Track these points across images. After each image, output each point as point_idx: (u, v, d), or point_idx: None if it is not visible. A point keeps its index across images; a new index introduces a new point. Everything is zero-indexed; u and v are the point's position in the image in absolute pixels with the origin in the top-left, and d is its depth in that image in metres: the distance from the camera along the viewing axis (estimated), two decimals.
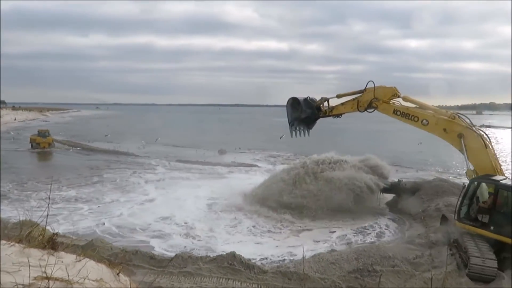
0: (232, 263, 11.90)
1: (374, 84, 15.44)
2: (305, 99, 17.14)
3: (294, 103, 17.25)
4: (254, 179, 27.74)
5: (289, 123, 17.45)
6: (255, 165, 37.91)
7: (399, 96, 15.18)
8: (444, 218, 15.84)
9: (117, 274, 3.39)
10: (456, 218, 13.20)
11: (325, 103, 16.98)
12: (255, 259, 14.62)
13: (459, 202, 13.31)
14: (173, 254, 13.28)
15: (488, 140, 13.71)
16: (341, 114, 16.68)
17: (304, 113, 16.89)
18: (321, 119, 17.58)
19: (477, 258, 11.33)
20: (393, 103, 15.23)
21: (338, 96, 16.67)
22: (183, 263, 12.09)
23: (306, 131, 17.69)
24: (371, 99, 15.33)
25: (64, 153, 44.34)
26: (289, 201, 21.29)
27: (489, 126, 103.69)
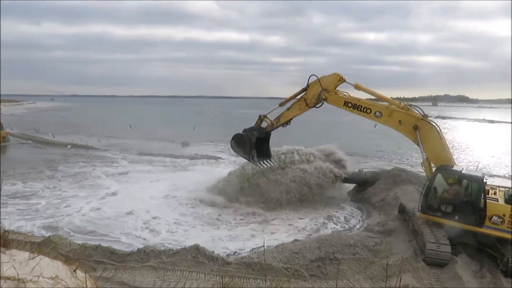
0: (195, 256, 11.85)
1: (317, 77, 14.72)
2: (244, 130, 15.81)
3: (237, 140, 15.69)
4: (217, 171, 27.68)
5: (249, 160, 15.89)
6: (219, 157, 37.78)
7: (344, 81, 14.52)
8: (402, 207, 16.38)
9: (74, 270, 3.28)
10: (419, 210, 13.29)
11: (265, 120, 15.75)
12: (219, 251, 14.63)
13: (423, 194, 13.35)
14: (135, 249, 13.06)
15: (440, 131, 14.09)
16: (290, 120, 15.47)
17: (253, 136, 15.44)
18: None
19: (432, 244, 11.83)
20: (343, 95, 14.73)
21: (281, 104, 15.74)
22: (146, 257, 11.92)
23: (269, 161, 16.21)
24: (319, 92, 14.67)
25: (19, 147, 42.44)
26: (253, 192, 21.40)
27: (444, 117, 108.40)
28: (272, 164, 16.79)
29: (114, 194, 23.16)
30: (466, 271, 11.31)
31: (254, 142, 15.31)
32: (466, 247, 12.63)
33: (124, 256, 12.10)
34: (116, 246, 13.91)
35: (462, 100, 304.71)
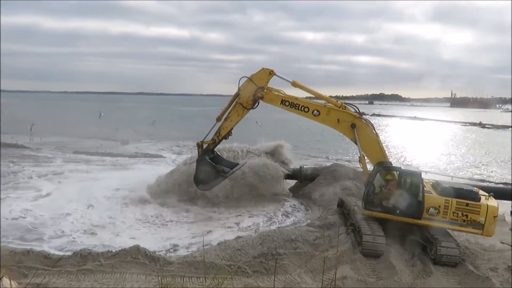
0: (136, 257, 11.55)
1: (248, 78, 14.46)
2: (197, 169, 15.44)
3: (202, 178, 15.33)
4: (159, 170, 27.02)
5: (226, 175, 15.54)
6: (160, 155, 37.02)
7: (275, 74, 14.28)
8: (340, 201, 16.98)
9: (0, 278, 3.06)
10: (363, 206, 13.68)
11: (204, 143, 15.48)
12: (161, 250, 14.36)
13: (366, 191, 13.71)
14: (70, 252, 12.46)
15: (375, 128, 14.64)
16: (231, 131, 15.10)
17: (208, 162, 15.14)
18: None
19: (369, 236, 12.39)
20: (280, 93, 14.50)
21: (218, 119, 15.28)
22: (82, 260, 11.43)
23: (236, 167, 16.15)
24: (254, 91, 14.38)
25: None
26: (195, 190, 21.17)
27: (379, 115, 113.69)
28: (241, 165, 16.96)
29: (48, 195, 21.91)
30: (399, 261, 11.97)
31: (212, 163, 15.20)
32: (399, 237, 13.32)
33: (59, 260, 11.51)
34: (50, 250, 13.21)
35: (396, 99, 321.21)
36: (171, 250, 14.89)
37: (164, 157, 36.13)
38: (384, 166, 13.55)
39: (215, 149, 15.96)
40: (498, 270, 12.01)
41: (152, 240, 15.88)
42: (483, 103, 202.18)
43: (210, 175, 15.17)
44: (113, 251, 12.33)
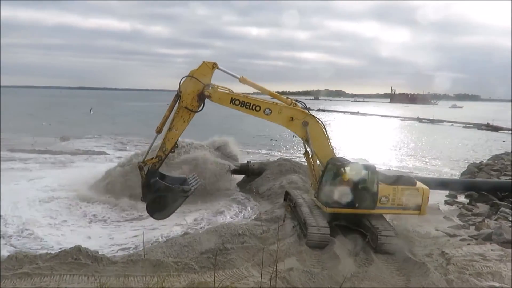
0: (77, 258, 11.06)
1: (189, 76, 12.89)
2: (143, 196, 13.14)
3: (158, 206, 13.06)
4: (102, 167, 26.08)
5: (187, 193, 13.33)
6: (103, 152, 35.78)
7: (217, 67, 12.93)
8: (287, 195, 17.23)
9: None
10: (325, 205, 13.67)
11: (147, 163, 13.09)
12: (104, 250, 13.90)
13: (327, 189, 13.73)
14: (5, 256, 11.72)
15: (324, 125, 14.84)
16: (177, 142, 13.25)
17: (160, 182, 12.98)
18: None
19: (314, 227, 12.70)
20: (228, 91, 13.40)
21: (159, 131, 13.10)
22: (18, 264, 10.77)
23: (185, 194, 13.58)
24: (199, 90, 12.86)
25: None
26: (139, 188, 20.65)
27: (324, 110, 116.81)
28: (198, 180, 14.76)
29: None
30: (343, 251, 12.36)
31: (168, 185, 13.02)
32: (342, 228, 13.76)
33: None
34: None
35: (340, 94, 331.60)
36: (115, 249, 14.47)
37: (108, 154, 34.97)
38: (341, 162, 13.74)
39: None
40: (433, 256, 12.75)
41: (95, 240, 15.38)
42: (420, 99, 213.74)
43: (166, 200, 12.91)
44: (52, 252, 11.77)
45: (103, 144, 41.23)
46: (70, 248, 11.49)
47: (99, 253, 12.04)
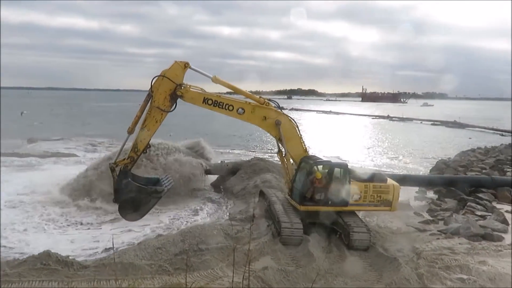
0: (46, 263, 10.77)
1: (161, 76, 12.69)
2: (115, 197, 12.85)
3: (130, 208, 12.78)
4: (72, 169, 25.48)
5: (160, 193, 13.02)
6: (73, 154, 34.92)
7: (190, 67, 12.82)
8: (261, 194, 17.25)
9: None
10: (298, 203, 13.76)
11: (118, 164, 12.77)
12: (75, 254, 13.57)
13: (300, 187, 13.84)
14: None
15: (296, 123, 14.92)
16: (149, 142, 13.02)
17: (132, 183, 12.68)
18: None
19: (287, 225, 12.79)
20: (201, 91, 13.28)
21: (130, 131, 12.87)
22: None
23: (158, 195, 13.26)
24: (171, 90, 12.69)
25: None
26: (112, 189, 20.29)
27: (298, 110, 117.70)
28: (171, 180, 14.36)
29: None
30: (317, 248, 12.51)
31: (140, 185, 12.75)
32: (316, 226, 13.89)
33: None
34: None
35: (312, 93, 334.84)
36: (87, 252, 14.16)
37: (78, 156, 34.18)
38: (314, 161, 13.89)
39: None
40: (404, 251, 13.06)
41: (66, 244, 15.02)
42: (390, 97, 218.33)
43: (139, 201, 12.70)
44: (20, 258, 11.42)
45: (73, 146, 40.29)
46: (39, 254, 11.20)
47: (70, 257, 11.76)
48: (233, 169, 23.85)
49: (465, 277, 11.02)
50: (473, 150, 37.54)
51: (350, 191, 13.58)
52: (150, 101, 12.74)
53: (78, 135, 47.63)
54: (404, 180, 20.06)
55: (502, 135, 60.03)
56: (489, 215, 17.19)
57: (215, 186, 23.56)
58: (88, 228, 17.06)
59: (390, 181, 14.32)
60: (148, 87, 12.85)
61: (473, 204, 18.72)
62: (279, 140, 14.04)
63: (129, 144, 13.17)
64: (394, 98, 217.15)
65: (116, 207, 13.66)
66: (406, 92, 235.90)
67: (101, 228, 17.04)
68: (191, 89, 13.08)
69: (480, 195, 20.53)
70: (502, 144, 43.13)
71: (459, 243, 13.91)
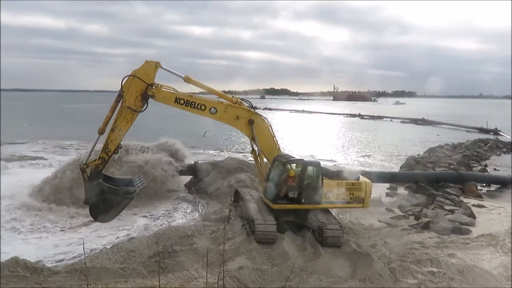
0: (15, 270, 10.42)
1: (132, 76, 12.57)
2: (86, 200, 12.81)
3: (100, 209, 12.81)
4: (41, 173, 24.75)
5: (132, 194, 12.97)
6: (41, 157, 33.90)
7: (161, 66, 12.79)
8: (237, 193, 17.21)
9: None
10: (272, 201, 13.75)
11: (89, 165, 12.64)
12: (45, 260, 13.21)
13: (274, 186, 13.81)
14: None
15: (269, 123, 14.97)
16: (120, 143, 12.91)
17: (102, 184, 12.60)
18: None
19: (260, 224, 12.81)
20: (173, 91, 13.21)
21: (101, 132, 12.72)
22: None
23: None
24: (142, 90, 12.58)
25: None
26: (82, 193, 19.81)
27: (271, 109, 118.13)
28: (143, 181, 14.17)
29: None
30: (292, 246, 12.58)
31: (111, 186, 12.61)
32: (290, 224, 13.97)
33: None
34: None
35: (285, 93, 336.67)
36: (57, 258, 13.79)
37: (46, 159, 33.21)
38: (287, 159, 13.94)
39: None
40: (377, 246, 13.34)
41: (36, 250, 14.59)
42: (360, 96, 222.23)
43: (110, 202, 12.59)
44: None
45: (40, 148, 39.12)
46: (6, 261, 10.82)
47: (39, 263, 11.43)
48: (207, 170, 23.71)
49: (435, 270, 11.34)
50: (441, 147, 38.75)
51: (323, 189, 13.71)
52: (121, 101, 12.62)
53: (46, 137, 46.28)
54: (375, 176, 20.49)
55: (468, 131, 62.11)
56: (457, 209, 17.75)
57: (189, 186, 23.38)
58: (59, 233, 16.59)
59: (362, 178, 14.51)
60: (118, 88, 12.72)
61: (442, 199, 19.30)
62: (253, 139, 14.12)
63: (100, 145, 12.99)
64: (364, 96, 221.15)
65: (87, 210, 13.60)
66: (376, 91, 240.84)
67: (72, 233, 16.61)
68: (162, 89, 13.01)
69: (448, 190, 21.19)
70: (468, 140, 44.71)
71: (429, 237, 14.31)
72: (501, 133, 57.27)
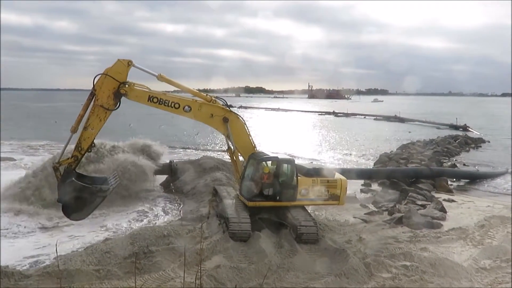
0: None
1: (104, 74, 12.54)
2: (59, 197, 12.83)
3: (74, 207, 12.83)
4: (10, 174, 23.97)
5: (106, 192, 12.92)
6: (11, 158, 32.85)
7: (133, 65, 12.72)
8: (215, 191, 17.13)
9: None
10: (247, 199, 13.82)
11: (62, 163, 12.67)
12: (16, 264, 12.83)
13: (249, 184, 13.85)
14: None
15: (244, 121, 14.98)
16: (93, 141, 12.87)
17: (75, 182, 12.53)
18: None
19: (235, 221, 12.84)
20: (146, 89, 13.20)
21: (74, 130, 12.68)
22: None
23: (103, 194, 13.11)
24: (115, 88, 12.52)
25: None
26: (55, 194, 19.33)
27: (246, 107, 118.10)
28: (117, 179, 14.14)
29: None
30: (269, 244, 12.63)
31: (84, 184, 12.53)
32: (267, 222, 14.03)
33: None
34: None
35: (260, 91, 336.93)
36: (29, 261, 13.41)
37: (15, 160, 32.23)
38: (261, 157, 14.01)
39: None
40: (352, 242, 13.56)
41: (6, 253, 14.05)
42: (334, 94, 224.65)
43: (83, 200, 12.54)
44: None
45: (8, 149, 37.93)
46: None
47: (10, 267, 11.11)
48: (183, 169, 23.53)
49: (408, 263, 11.61)
50: (413, 143, 39.64)
51: (298, 186, 13.82)
52: (93, 99, 12.57)
53: (14, 138, 44.90)
54: (350, 173, 20.85)
55: (438, 128, 63.74)
56: (429, 204, 18.23)
57: (165, 186, 23.16)
58: (30, 235, 16.13)
59: (337, 175, 14.70)
60: (90, 86, 12.66)
61: (414, 194, 19.77)
62: (228, 137, 14.17)
63: (73, 144, 12.84)
64: (338, 94, 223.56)
65: (60, 211, 13.55)
66: (350, 89, 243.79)
67: (43, 235, 16.17)
68: (135, 87, 12.94)
69: (420, 185, 21.73)
70: (438, 136, 45.89)
71: (403, 232, 14.64)
72: (470, 129, 59.06)
